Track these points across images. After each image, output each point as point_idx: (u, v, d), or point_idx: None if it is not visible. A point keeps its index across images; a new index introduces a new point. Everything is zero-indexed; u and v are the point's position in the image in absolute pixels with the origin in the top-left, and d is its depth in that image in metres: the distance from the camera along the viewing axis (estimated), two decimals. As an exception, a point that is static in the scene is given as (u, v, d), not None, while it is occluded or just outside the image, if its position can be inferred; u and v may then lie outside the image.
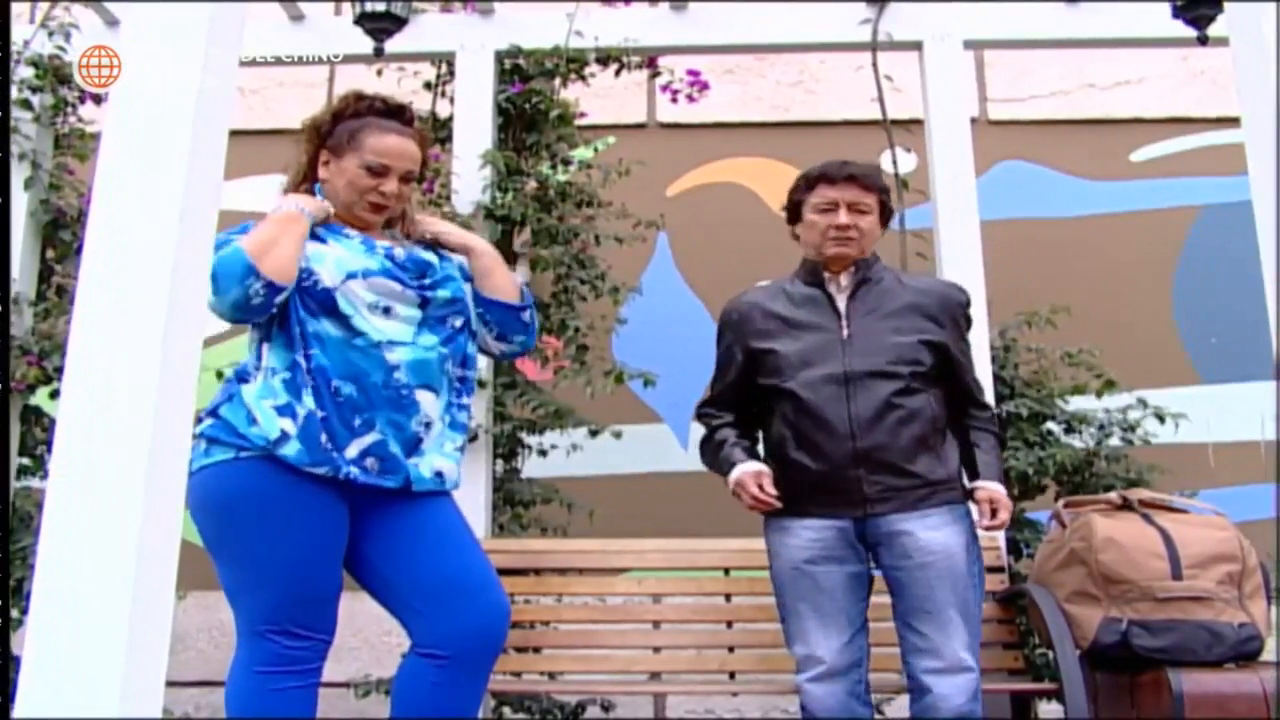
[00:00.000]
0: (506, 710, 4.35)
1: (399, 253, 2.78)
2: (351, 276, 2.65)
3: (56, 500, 1.74)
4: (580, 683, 4.00)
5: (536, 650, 3.92)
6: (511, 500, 4.45)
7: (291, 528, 2.54)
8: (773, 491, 3.00)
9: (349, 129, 2.80)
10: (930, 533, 3.00)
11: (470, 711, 2.64)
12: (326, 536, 2.59)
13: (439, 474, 2.73)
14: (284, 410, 2.56)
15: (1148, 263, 6.22)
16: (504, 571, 3.84)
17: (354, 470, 2.58)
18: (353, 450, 2.59)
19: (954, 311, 3.23)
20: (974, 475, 3.18)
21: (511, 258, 4.65)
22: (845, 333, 3.12)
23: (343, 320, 2.62)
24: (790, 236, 3.38)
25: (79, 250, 1.92)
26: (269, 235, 2.58)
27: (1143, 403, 4.48)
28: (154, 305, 1.82)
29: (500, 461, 4.52)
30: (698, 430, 5.71)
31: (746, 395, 3.25)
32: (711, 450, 3.27)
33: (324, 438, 2.55)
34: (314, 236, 2.72)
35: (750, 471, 3.05)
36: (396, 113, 2.87)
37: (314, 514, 2.57)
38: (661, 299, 5.89)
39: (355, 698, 4.13)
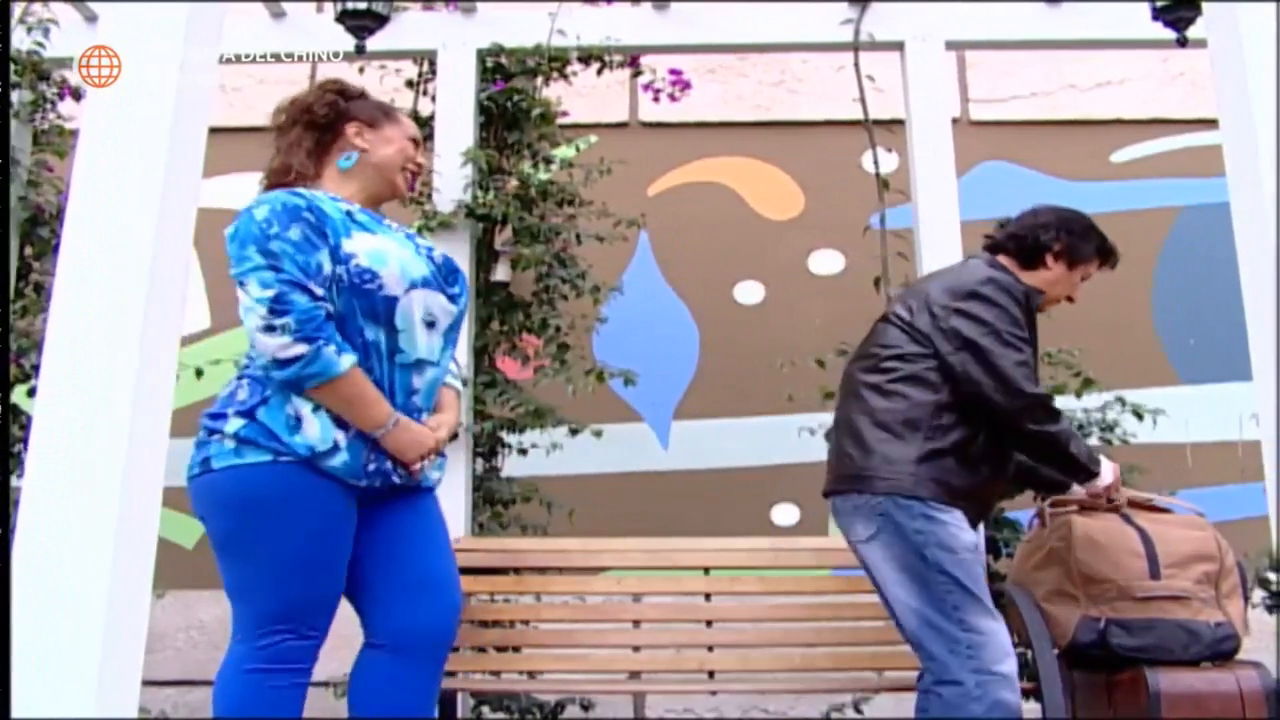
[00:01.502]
0: (486, 709, 4.34)
1: (437, 255, 2.82)
2: (414, 286, 2.64)
3: (33, 498, 1.73)
4: (559, 682, 4.00)
5: (516, 649, 3.92)
6: (491, 499, 4.45)
7: (322, 530, 2.56)
8: None
9: (378, 106, 2.92)
10: None
11: (427, 703, 2.66)
12: (348, 538, 2.61)
13: (424, 476, 2.79)
14: (338, 420, 2.55)
15: (1127, 263, 6.17)
16: (483, 570, 3.84)
17: (379, 480, 2.64)
18: (388, 463, 2.63)
19: None
20: None
21: (493, 256, 4.65)
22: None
23: (393, 333, 2.63)
24: (1013, 250, 3.32)
25: (57, 248, 1.91)
26: (353, 402, 2.54)
27: (1120, 400, 4.49)
28: (132, 303, 1.81)
29: (480, 460, 4.51)
30: (678, 429, 5.69)
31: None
32: (1073, 438, 3.11)
33: (367, 449, 2.58)
34: (356, 223, 2.68)
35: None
36: None
37: (341, 518, 2.59)
38: (642, 298, 5.90)
39: (334, 697, 4.12)
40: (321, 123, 2.83)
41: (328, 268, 2.56)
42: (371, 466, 2.58)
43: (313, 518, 2.53)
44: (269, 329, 2.45)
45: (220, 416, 2.57)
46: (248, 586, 2.57)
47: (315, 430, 2.51)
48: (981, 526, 3.19)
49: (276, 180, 2.81)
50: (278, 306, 2.45)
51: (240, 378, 2.64)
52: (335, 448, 2.52)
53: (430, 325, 2.69)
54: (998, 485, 3.16)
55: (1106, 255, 3.40)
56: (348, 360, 2.48)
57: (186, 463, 2.63)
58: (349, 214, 2.69)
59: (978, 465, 3.01)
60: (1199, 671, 3.19)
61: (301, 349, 2.44)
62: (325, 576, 2.58)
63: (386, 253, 2.63)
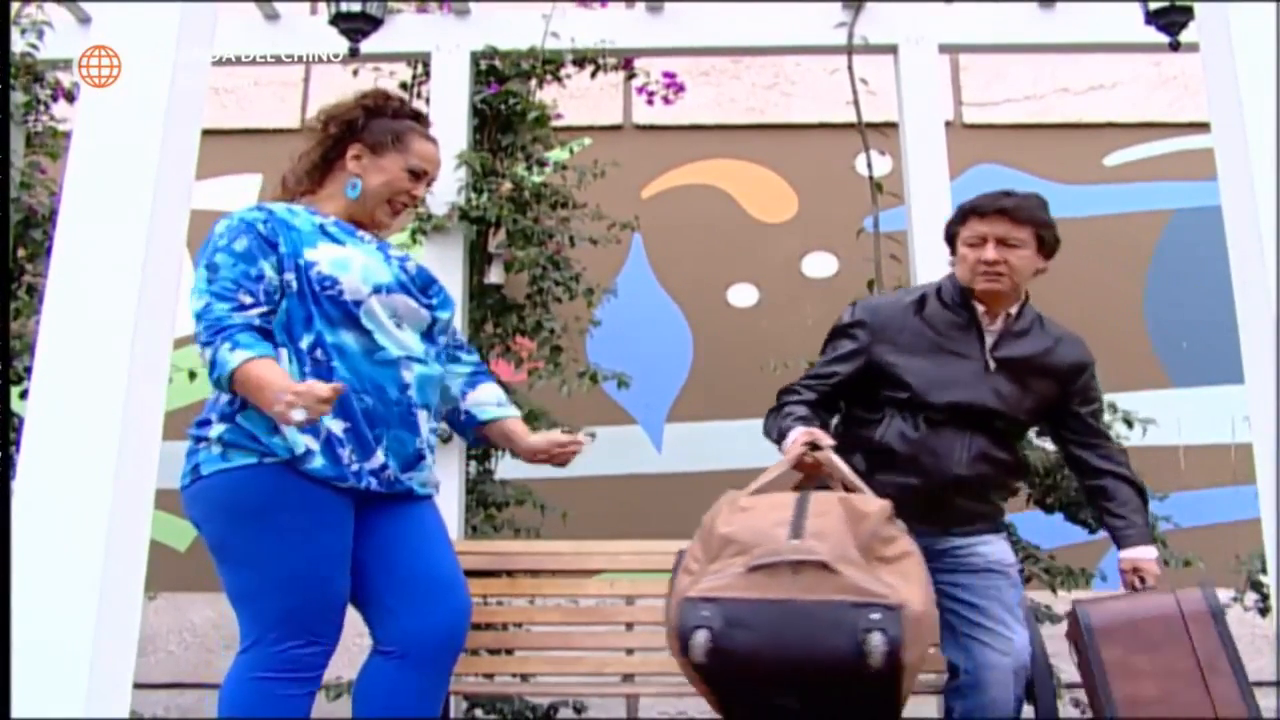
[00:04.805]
0: (479, 712, 4.34)
1: (410, 265, 2.83)
2: (377, 291, 2.65)
3: (24, 500, 1.73)
4: (553, 685, 4.00)
5: (509, 652, 3.91)
6: (484, 502, 4.44)
7: (316, 533, 2.55)
8: (829, 442, 2.94)
9: (392, 129, 2.83)
10: None
11: (432, 711, 2.65)
12: (344, 542, 2.60)
13: (425, 483, 2.79)
14: (304, 428, 2.54)
15: (1120, 267, 6.25)
16: (476, 573, 3.83)
17: (373, 481, 2.62)
18: (373, 462, 2.62)
19: (1079, 371, 3.25)
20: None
21: (486, 258, 4.65)
22: (989, 368, 3.13)
23: (364, 334, 2.64)
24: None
25: (50, 250, 1.91)
26: (252, 393, 2.45)
27: (1112, 406, 4.50)
28: (124, 305, 1.81)
29: (473, 463, 4.51)
30: (671, 431, 5.70)
31: (846, 390, 3.22)
32: (771, 418, 3.20)
33: (347, 451, 2.58)
34: (326, 234, 2.70)
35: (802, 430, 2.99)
36: (421, 118, 2.92)
37: (335, 520, 2.58)
38: (636, 301, 5.90)
39: (327, 700, 4.11)
40: (332, 139, 2.82)
41: (270, 274, 2.59)
42: (355, 468, 2.58)
43: (303, 518, 2.52)
44: (196, 337, 2.53)
45: (205, 424, 2.60)
46: (249, 592, 2.55)
47: (291, 434, 2.52)
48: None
49: (280, 192, 2.86)
50: (200, 314, 2.52)
51: None
52: (309, 452, 2.52)
53: (399, 325, 2.70)
54: (919, 490, 3.05)
55: (964, 215, 3.19)
56: (240, 355, 2.45)
57: (179, 466, 2.63)
58: (321, 226, 2.71)
59: (891, 469, 3.06)
60: (1132, 597, 3.03)
61: (208, 353, 2.49)
62: (325, 580, 2.56)
63: (349, 260, 2.66)
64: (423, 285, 2.81)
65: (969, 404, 3.08)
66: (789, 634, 2.34)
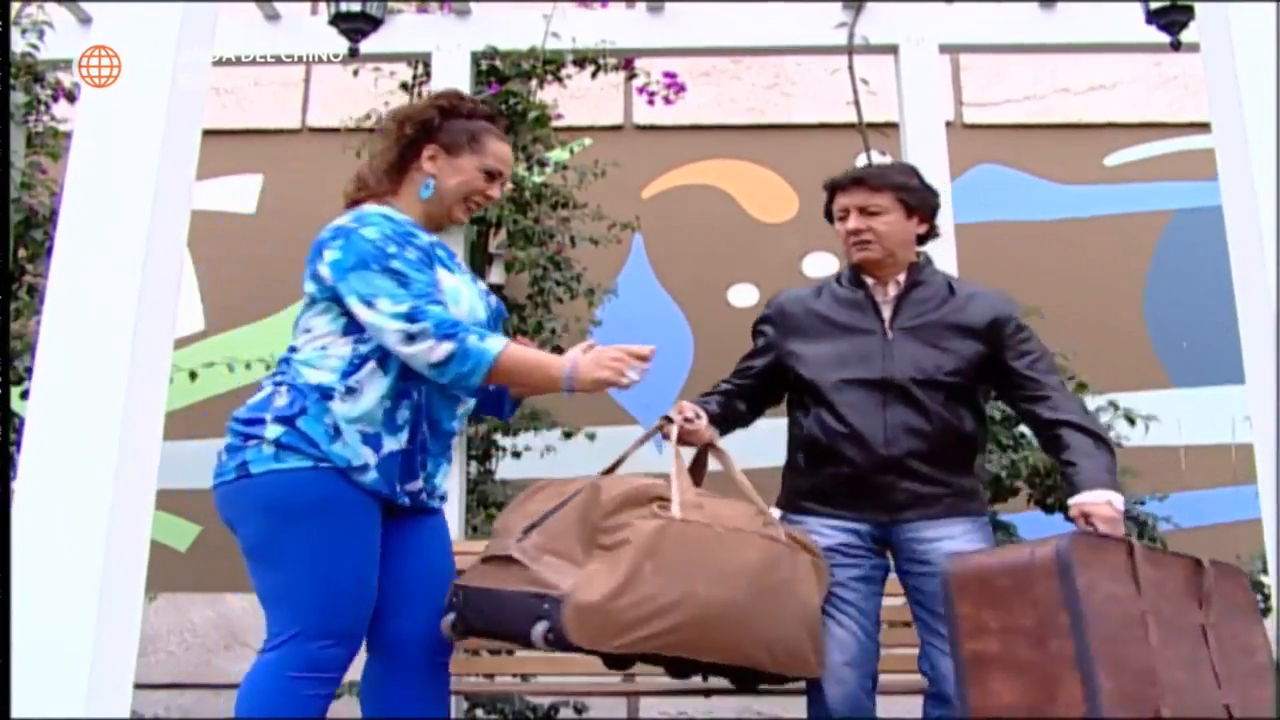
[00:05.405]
0: (479, 712, 4.34)
1: (493, 300, 2.87)
2: (476, 326, 2.66)
3: (25, 500, 1.73)
4: (553, 684, 3.99)
5: (509, 652, 3.90)
6: (485, 502, 4.45)
7: (358, 538, 2.56)
8: (689, 415, 3.08)
9: (468, 129, 2.82)
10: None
11: (441, 709, 2.66)
12: (377, 548, 2.62)
13: (441, 496, 2.84)
14: (369, 440, 2.56)
15: (1120, 266, 6.25)
16: (477, 573, 3.83)
17: (407, 499, 2.66)
18: (414, 485, 2.67)
19: (999, 324, 3.11)
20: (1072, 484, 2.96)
21: (487, 259, 4.65)
22: (888, 337, 3.09)
23: None
24: None
25: (50, 250, 1.91)
26: (523, 374, 2.61)
27: (1114, 405, 4.50)
28: (125, 305, 1.81)
29: (474, 463, 4.51)
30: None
31: (765, 384, 3.29)
32: None
33: (398, 470, 2.61)
34: (438, 259, 2.70)
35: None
36: (494, 119, 2.93)
37: (374, 527, 2.60)
38: (636, 301, 5.89)
39: (327, 700, 4.12)
40: (408, 139, 2.82)
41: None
42: (399, 486, 2.60)
43: (349, 523, 2.54)
44: (409, 339, 2.49)
45: (257, 422, 2.56)
46: (286, 591, 2.55)
47: (352, 445, 2.54)
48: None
49: (354, 189, 2.84)
50: (415, 315, 2.49)
51: (277, 385, 2.62)
52: (366, 466, 2.54)
53: None
54: (852, 477, 3.03)
55: (829, 192, 3.25)
56: (496, 343, 2.51)
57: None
58: (432, 246, 2.72)
59: (822, 460, 3.08)
60: (997, 550, 2.83)
61: (449, 346, 2.47)
62: (361, 582, 2.57)
63: (460, 293, 2.67)
64: (497, 319, 2.86)
65: (870, 378, 3.04)
66: (497, 619, 2.60)
